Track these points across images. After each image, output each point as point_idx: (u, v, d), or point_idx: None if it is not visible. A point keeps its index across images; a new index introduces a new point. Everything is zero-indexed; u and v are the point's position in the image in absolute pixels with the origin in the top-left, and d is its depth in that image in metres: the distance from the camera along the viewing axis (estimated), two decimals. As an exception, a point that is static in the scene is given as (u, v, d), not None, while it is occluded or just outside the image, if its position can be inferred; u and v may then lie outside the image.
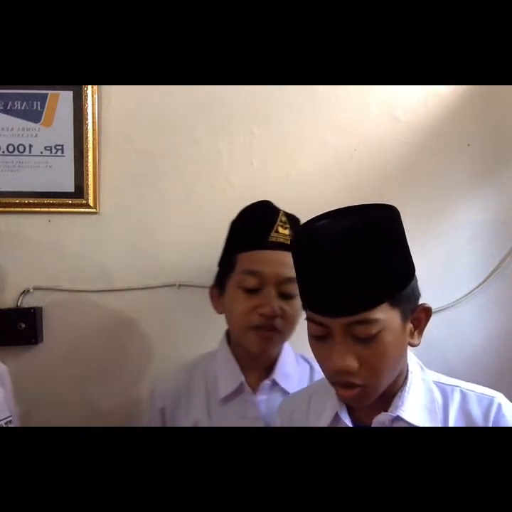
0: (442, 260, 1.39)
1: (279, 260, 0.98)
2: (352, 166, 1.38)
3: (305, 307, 0.77)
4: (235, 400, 1.04)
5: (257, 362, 1.05)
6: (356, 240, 0.69)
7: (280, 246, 0.99)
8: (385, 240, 0.71)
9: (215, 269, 1.07)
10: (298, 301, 0.94)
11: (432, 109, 1.40)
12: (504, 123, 1.41)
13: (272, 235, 0.99)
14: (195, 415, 1.04)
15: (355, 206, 0.74)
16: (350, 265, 0.69)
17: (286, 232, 1.00)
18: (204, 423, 1.03)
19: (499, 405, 0.77)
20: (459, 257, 1.40)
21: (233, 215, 1.07)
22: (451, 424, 0.77)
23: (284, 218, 1.02)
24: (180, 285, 1.35)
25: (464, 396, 0.79)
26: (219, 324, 1.35)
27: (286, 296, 0.99)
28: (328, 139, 1.38)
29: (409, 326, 0.76)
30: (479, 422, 0.76)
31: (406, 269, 0.75)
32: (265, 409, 1.03)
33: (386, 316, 0.70)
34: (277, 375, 1.04)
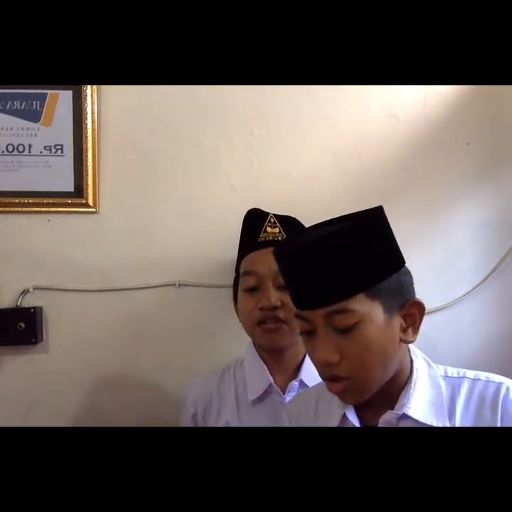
0: (442, 260, 1.39)
1: (270, 256, 1.04)
2: (352, 166, 1.38)
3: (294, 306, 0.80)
4: (264, 402, 1.06)
5: (283, 364, 1.08)
6: (329, 241, 0.73)
7: (270, 243, 1.06)
8: (357, 239, 0.73)
9: (214, 268, 1.08)
10: None
11: (432, 108, 1.40)
12: (504, 122, 1.41)
13: (261, 235, 1.07)
14: (225, 418, 1.07)
15: (333, 218, 0.79)
16: (324, 262, 0.72)
17: (276, 230, 1.07)
18: (234, 425, 1.05)
19: (507, 390, 0.77)
20: (459, 257, 1.40)
21: (233, 215, 1.08)
22: (459, 415, 0.77)
23: (273, 219, 1.09)
24: (180, 284, 1.34)
25: (471, 385, 0.80)
26: (218, 324, 1.35)
27: (284, 288, 1.03)
28: (328, 138, 1.38)
29: (400, 321, 0.76)
30: (488, 409, 0.77)
31: (383, 263, 0.76)
32: None
33: (364, 307, 0.72)
34: (304, 375, 1.06)
